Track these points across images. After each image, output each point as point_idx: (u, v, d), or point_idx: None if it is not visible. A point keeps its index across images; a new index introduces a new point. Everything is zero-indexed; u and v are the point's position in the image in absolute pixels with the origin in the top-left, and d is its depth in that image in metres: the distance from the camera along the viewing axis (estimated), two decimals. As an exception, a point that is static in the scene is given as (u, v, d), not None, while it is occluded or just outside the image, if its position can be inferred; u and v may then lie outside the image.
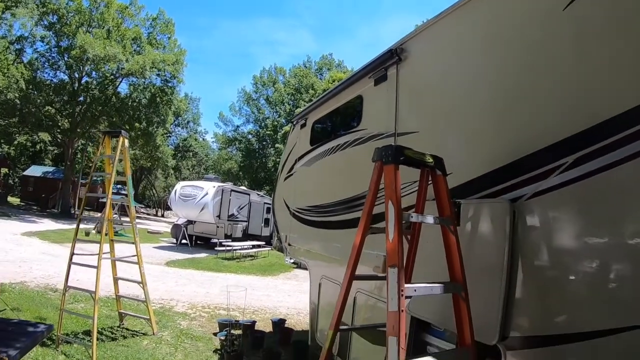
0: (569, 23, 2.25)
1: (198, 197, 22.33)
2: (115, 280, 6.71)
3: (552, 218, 2.28)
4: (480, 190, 2.71)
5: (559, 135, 2.21)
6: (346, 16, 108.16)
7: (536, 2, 2.52)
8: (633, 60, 1.95)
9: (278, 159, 44.24)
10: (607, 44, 2.07)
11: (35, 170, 44.93)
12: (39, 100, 29.65)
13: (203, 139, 63.12)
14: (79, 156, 38.02)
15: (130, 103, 33.17)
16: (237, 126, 56.05)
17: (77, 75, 31.34)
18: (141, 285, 6.41)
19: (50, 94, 30.56)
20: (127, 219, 6.41)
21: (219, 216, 22.70)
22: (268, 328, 7.77)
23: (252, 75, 62.94)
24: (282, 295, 12.05)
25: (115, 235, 6.33)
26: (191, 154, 59.38)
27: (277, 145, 44.63)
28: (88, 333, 6.00)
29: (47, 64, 31.30)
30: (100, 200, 28.20)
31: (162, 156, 39.42)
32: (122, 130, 6.30)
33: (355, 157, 4.48)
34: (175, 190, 23.44)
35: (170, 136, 50.25)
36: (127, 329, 6.61)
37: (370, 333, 3.34)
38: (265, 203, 29.21)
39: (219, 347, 6.28)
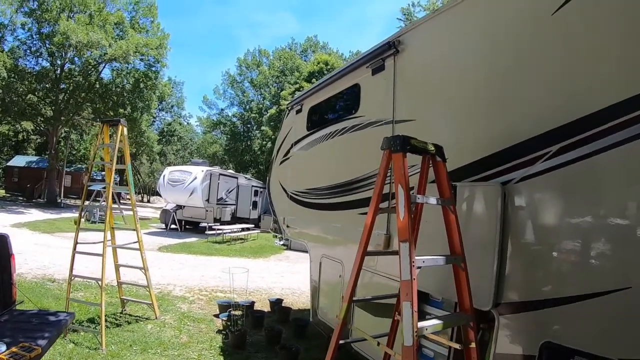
0: (557, 26, 2.51)
1: (187, 182, 22.35)
2: (117, 267, 6.87)
3: (538, 199, 2.60)
4: (474, 174, 3.01)
5: (545, 127, 2.50)
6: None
7: (528, 5, 2.76)
8: (612, 62, 2.24)
9: (263, 142, 44.24)
10: (590, 47, 2.34)
11: (19, 161, 44.18)
12: (21, 89, 29.09)
13: (187, 123, 62.73)
14: (62, 144, 37.48)
15: (114, 89, 32.67)
16: (222, 109, 55.87)
17: (59, 62, 30.71)
18: (143, 270, 6.58)
19: (33, 82, 30.00)
20: (115, 206, 6.52)
21: (207, 200, 22.81)
22: (266, 308, 8.07)
23: (236, 58, 62.27)
24: (275, 277, 12.34)
25: (103, 222, 6.47)
26: (176, 138, 58.93)
27: (262, 127, 44.51)
28: (92, 321, 6.20)
29: (28, 51, 30.61)
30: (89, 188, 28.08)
31: (147, 141, 39.09)
32: (121, 119, 6.40)
33: (354, 142, 4.75)
34: (164, 176, 23.40)
35: (155, 121, 49.69)
36: (129, 315, 6.80)
37: (372, 306, 3.64)
38: (252, 186, 29.37)
39: (221, 328, 6.54)
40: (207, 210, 22.87)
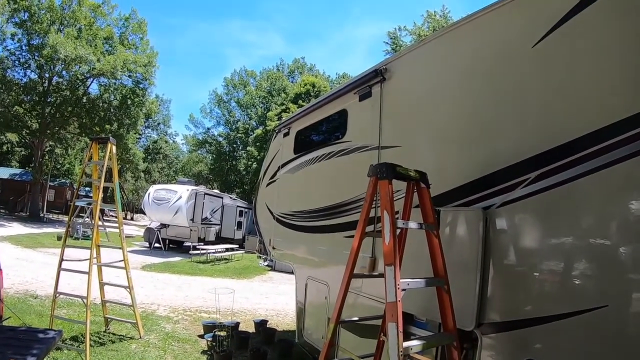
0: (536, 58, 2.67)
1: (172, 201, 22.24)
2: (102, 285, 6.82)
3: (518, 223, 2.74)
4: (457, 199, 3.14)
5: (524, 154, 2.64)
6: (317, 20, 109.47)
7: (510, 37, 2.93)
8: (588, 93, 2.39)
9: (249, 162, 44.18)
10: (567, 78, 2.50)
11: (2, 172, 43.31)
12: (7, 100, 28.83)
13: (173, 141, 62.35)
14: (46, 158, 37.04)
15: (101, 104, 32.64)
16: (208, 128, 55.58)
17: (47, 75, 30.60)
18: (128, 289, 6.55)
19: (20, 93, 29.86)
20: (100, 224, 6.51)
21: (192, 219, 22.66)
22: (251, 329, 8.03)
23: (223, 77, 62.49)
24: (259, 298, 12.28)
25: (86, 238, 6.40)
26: (161, 156, 58.51)
27: (248, 148, 44.57)
28: (76, 339, 6.12)
29: (17, 62, 30.46)
30: (71, 203, 27.68)
31: (132, 159, 38.81)
32: (111, 137, 6.45)
33: (340, 167, 4.87)
34: (149, 194, 23.26)
35: (141, 138, 49.40)
36: (113, 334, 6.72)
37: (358, 327, 3.71)
38: (237, 206, 29.28)
39: (206, 349, 6.50)
40: (191, 230, 22.72)
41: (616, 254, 2.20)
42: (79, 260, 6.01)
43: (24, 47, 30.13)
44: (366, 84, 4.44)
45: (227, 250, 21.91)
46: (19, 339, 3.97)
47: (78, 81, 31.49)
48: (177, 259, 19.43)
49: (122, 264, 6.48)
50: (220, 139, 53.81)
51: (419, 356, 2.74)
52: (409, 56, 4.08)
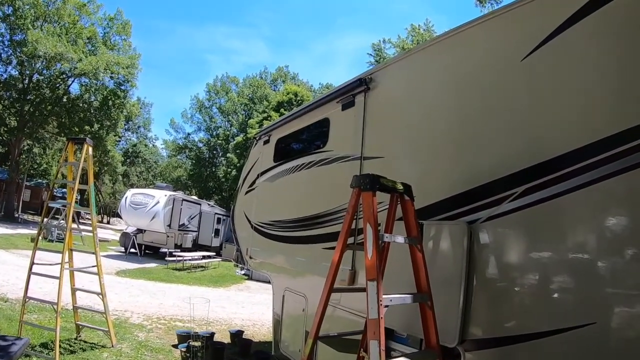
0: (525, 71, 2.65)
1: (149, 206, 21.87)
2: (74, 290, 6.57)
3: (503, 238, 2.70)
4: (440, 213, 3.09)
5: (510, 169, 2.60)
6: (301, 29, 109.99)
7: (497, 50, 2.91)
8: (576, 108, 2.38)
9: (229, 169, 43.94)
10: (557, 92, 2.48)
11: (-24, 170, 42.08)
12: (-14, 96, 27.99)
13: (153, 145, 61.50)
14: (24, 157, 36.07)
15: (81, 104, 32.03)
16: (188, 134, 55.29)
17: (28, 72, 29.88)
18: (101, 296, 6.33)
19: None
20: (74, 226, 6.32)
21: (169, 225, 22.39)
22: (226, 339, 7.84)
23: (205, 83, 62.02)
24: (235, 307, 12.10)
25: (61, 241, 6.21)
26: (140, 160, 57.63)
27: (228, 155, 44.43)
28: (46, 346, 5.87)
29: (-2, 58, 29.62)
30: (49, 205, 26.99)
31: (111, 161, 38.13)
32: (87, 138, 6.26)
33: (321, 176, 4.78)
34: (126, 198, 22.81)
35: (120, 141, 48.63)
36: (84, 342, 6.47)
37: (336, 341, 3.62)
38: (215, 213, 29.08)
39: (180, 359, 6.31)
40: (168, 236, 22.43)
41: (603, 270, 2.18)
42: (51, 264, 5.79)
43: (6, 42, 29.45)
44: (349, 93, 4.37)
45: (203, 257, 21.61)
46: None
47: (59, 80, 30.89)
48: (152, 265, 19.08)
49: (95, 270, 6.26)
50: (201, 144, 53.58)
51: (400, 374, 2.66)
52: (395, 66, 4.05)
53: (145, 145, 58.81)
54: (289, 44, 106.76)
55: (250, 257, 6.46)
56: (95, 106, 32.50)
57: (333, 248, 4.31)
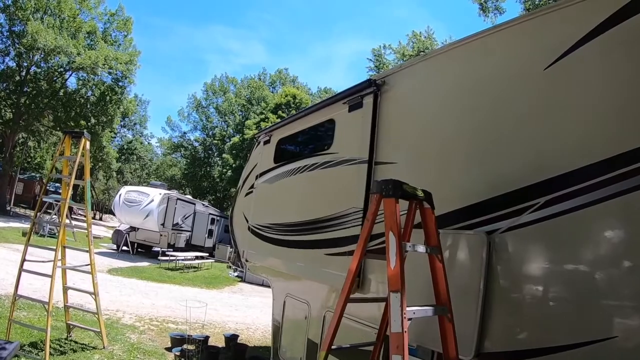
0: (547, 81, 2.54)
1: (143, 204, 21.69)
2: (65, 289, 6.38)
3: (524, 250, 2.58)
4: (458, 222, 2.96)
5: (533, 178, 2.50)
6: (300, 33, 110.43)
7: (519, 58, 2.80)
8: (604, 119, 2.27)
9: (224, 170, 43.86)
10: (583, 102, 2.38)
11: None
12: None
13: (148, 143, 61.19)
14: (18, 149, 35.67)
15: (78, 99, 31.75)
16: (184, 132, 55.23)
17: (25, 64, 29.55)
18: (93, 296, 6.14)
19: (-4, 81, 28.62)
20: (67, 222, 6.14)
21: (163, 224, 22.19)
22: (220, 343, 7.68)
23: (203, 82, 61.79)
24: (229, 310, 11.91)
25: (52, 236, 6.01)
26: (135, 157, 57.23)
27: (224, 155, 44.36)
28: (35, 345, 5.68)
29: (-4, 48, 29.25)
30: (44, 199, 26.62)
31: (106, 157, 37.81)
32: (85, 132, 6.08)
33: (325, 179, 4.62)
34: (120, 195, 22.60)
35: (116, 137, 48.32)
36: (75, 342, 6.29)
37: (346, 353, 3.48)
38: (210, 214, 28.91)
39: (173, 363, 6.14)
40: (161, 235, 22.24)
41: (626, 285, 2.09)
42: (43, 262, 5.61)
43: (5, 33, 29.07)
44: (357, 94, 4.21)
45: (197, 258, 21.38)
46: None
47: (56, 73, 30.62)
48: (145, 264, 18.86)
49: (88, 268, 6.07)
50: (196, 144, 53.52)
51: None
52: (413, 69, 3.90)
53: (141, 143, 58.49)
54: (287, 47, 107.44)
55: (247, 261, 6.29)
56: (92, 101, 32.28)
57: (337, 254, 4.23)
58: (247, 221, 6.38)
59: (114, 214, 27.24)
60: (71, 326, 6.52)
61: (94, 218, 50.59)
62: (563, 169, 2.37)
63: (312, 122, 5.15)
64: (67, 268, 6.25)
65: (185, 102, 61.24)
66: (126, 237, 21.83)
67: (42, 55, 28.31)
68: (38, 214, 6.21)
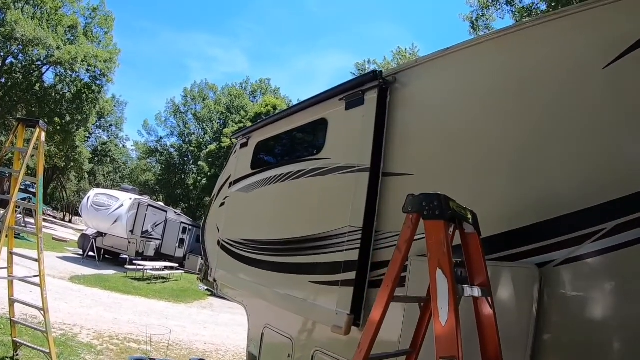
0: (609, 80, 2.07)
1: (112, 208, 20.84)
2: (12, 302, 5.53)
3: (586, 287, 2.04)
4: (496, 251, 2.34)
5: (597, 199, 2.00)
6: (283, 45, 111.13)
7: (573, 52, 2.29)
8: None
9: (199, 177, 43.08)
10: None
11: None
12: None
13: (123, 146, 59.72)
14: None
15: (53, 94, 30.78)
16: (161, 137, 54.52)
17: (2, 54, 28.46)
18: (42, 312, 5.31)
19: (-31, 70, 27.47)
20: (31, 221, 5.36)
21: (132, 231, 21.41)
22: (186, 367, 6.91)
23: (182, 88, 60.73)
24: (197, 328, 11.15)
25: (15, 238, 5.22)
26: (109, 159, 55.58)
27: (199, 162, 44.18)
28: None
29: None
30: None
31: (78, 158, 36.52)
32: (40, 121, 5.28)
33: (311, 190, 3.89)
34: (89, 197, 21.62)
35: (90, 137, 46.94)
36: (22, 362, 5.45)
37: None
38: (182, 222, 28.18)
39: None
40: (130, 242, 21.40)
41: None
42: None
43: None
44: (357, 89, 3.51)
45: (166, 268, 20.49)
46: None
47: (33, 66, 29.64)
48: (110, 272, 17.95)
49: (37, 280, 5.25)
50: (172, 150, 53.02)
51: None
52: (433, 64, 3.23)
53: (116, 145, 56.98)
54: (269, 58, 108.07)
55: (214, 280, 5.50)
56: (67, 98, 31.38)
57: (326, 283, 3.52)
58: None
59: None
60: (18, 344, 5.68)
61: (63, 219, 48.83)
62: (633, 188, 1.88)
63: (298, 122, 4.39)
64: (11, 279, 5.39)
65: (164, 107, 60.09)
66: (92, 243, 20.85)
67: (20, 47, 27.35)
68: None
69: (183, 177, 49.88)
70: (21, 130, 5.26)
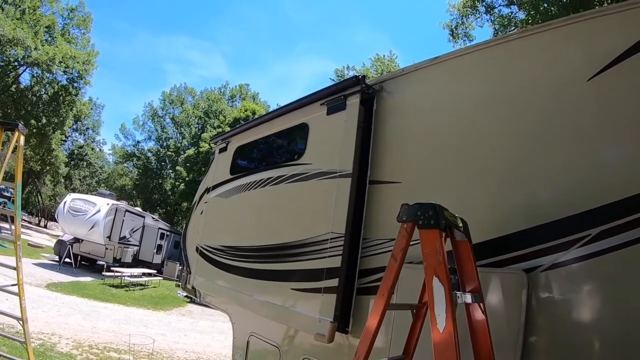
0: (592, 94, 2.16)
1: (89, 214, 20.40)
2: (-13, 311, 5.37)
3: (573, 292, 2.11)
4: (485, 257, 2.39)
5: (583, 205, 2.07)
6: (261, 49, 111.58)
7: (556, 67, 2.37)
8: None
9: (176, 183, 42.56)
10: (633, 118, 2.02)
11: None
12: None
13: (100, 150, 58.55)
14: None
15: (30, 96, 29.99)
16: (138, 141, 53.52)
17: (-22, 54, 27.59)
18: (21, 322, 5.14)
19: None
20: (6, 226, 5.21)
21: (109, 237, 21.01)
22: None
23: (161, 91, 60.09)
24: (177, 335, 11.01)
25: (2, 246, 5.04)
26: (85, 163, 54.45)
27: (177, 167, 43.74)
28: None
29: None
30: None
31: (54, 161, 35.66)
32: (20, 124, 5.14)
33: (292, 196, 3.88)
34: (65, 202, 21.09)
35: (66, 141, 45.95)
36: (-3, 374, 5.30)
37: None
38: (159, 228, 27.74)
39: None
40: (107, 248, 21.00)
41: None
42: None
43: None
44: (339, 94, 3.52)
45: (144, 275, 20.14)
46: None
47: (10, 67, 28.79)
48: (88, 279, 17.55)
49: (15, 289, 5.09)
50: (150, 154, 52.14)
51: None
52: (420, 73, 3.27)
53: (92, 149, 55.83)
54: (248, 62, 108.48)
55: (193, 288, 5.41)
56: (44, 100, 30.63)
57: (308, 290, 3.50)
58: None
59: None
60: (-6, 355, 5.48)
61: (38, 225, 47.60)
62: (617, 195, 1.97)
63: (279, 126, 4.37)
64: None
65: (141, 111, 59.39)
66: (69, 249, 20.31)
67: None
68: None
69: (160, 182, 49.18)
70: (0, 134, 5.11)
